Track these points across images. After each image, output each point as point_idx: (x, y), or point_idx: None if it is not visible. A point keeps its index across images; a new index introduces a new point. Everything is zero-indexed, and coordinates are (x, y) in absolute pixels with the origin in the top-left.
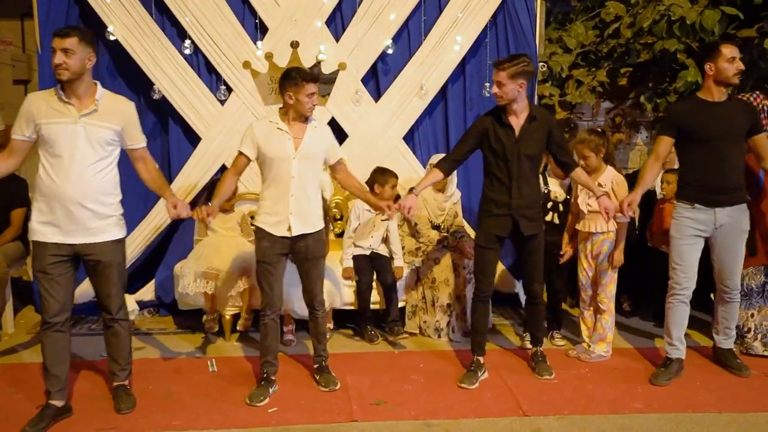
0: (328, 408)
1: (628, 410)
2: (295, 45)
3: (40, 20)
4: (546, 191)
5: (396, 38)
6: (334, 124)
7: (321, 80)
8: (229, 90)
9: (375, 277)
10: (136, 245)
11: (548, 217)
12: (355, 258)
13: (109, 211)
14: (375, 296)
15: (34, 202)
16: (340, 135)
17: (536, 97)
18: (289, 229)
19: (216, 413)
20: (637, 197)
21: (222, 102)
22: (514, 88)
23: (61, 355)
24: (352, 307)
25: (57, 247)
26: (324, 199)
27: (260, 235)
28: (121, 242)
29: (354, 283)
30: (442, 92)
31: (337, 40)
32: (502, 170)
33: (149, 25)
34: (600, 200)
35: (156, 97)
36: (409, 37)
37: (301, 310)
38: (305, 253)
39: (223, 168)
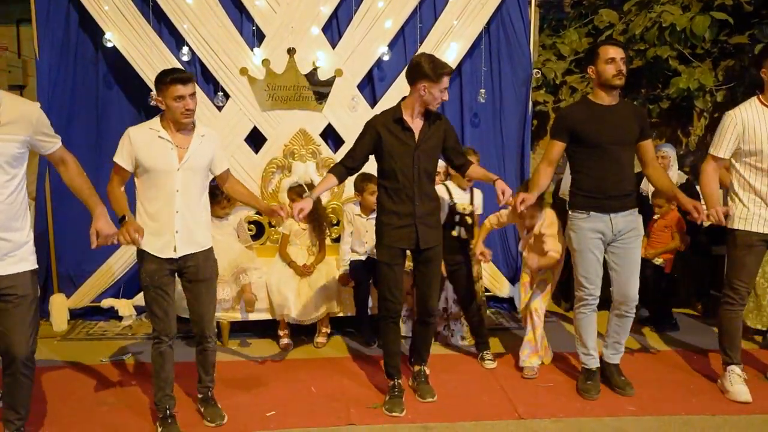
0: (325, 412)
1: (622, 413)
2: (291, 52)
3: (38, 26)
4: (451, 203)
5: (392, 45)
6: (331, 130)
7: (313, 83)
8: (227, 96)
9: (372, 281)
10: (133, 249)
11: (454, 232)
12: (352, 263)
13: (22, 237)
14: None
15: None
16: (337, 141)
17: (530, 103)
18: (175, 249)
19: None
20: (532, 197)
21: (219, 108)
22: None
23: None
24: (350, 314)
25: None
26: (320, 202)
27: (144, 257)
28: (35, 274)
29: (351, 289)
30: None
31: (334, 46)
32: (402, 177)
33: (147, 32)
34: (497, 183)
35: (153, 103)
36: (405, 43)
37: (298, 315)
38: (195, 274)
39: None
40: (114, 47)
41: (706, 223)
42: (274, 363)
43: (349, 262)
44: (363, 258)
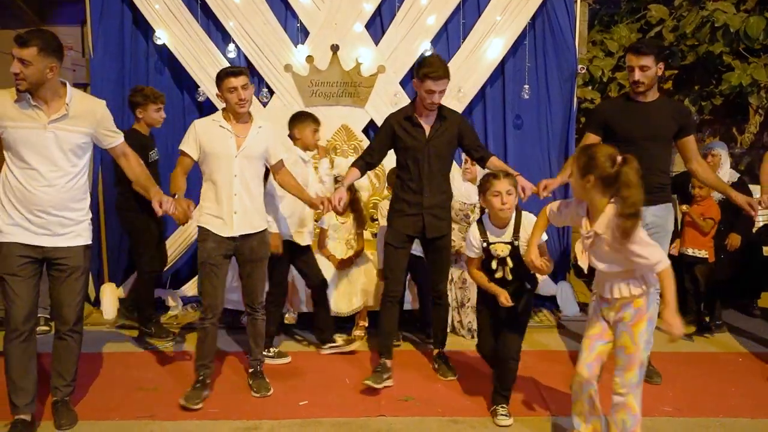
0: (356, 403)
1: (657, 413)
2: (335, 48)
3: (93, 25)
4: (485, 245)
5: (434, 41)
6: (373, 125)
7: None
8: (271, 92)
9: (410, 277)
10: (179, 243)
11: (498, 273)
12: None
13: (78, 216)
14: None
15: (1, 204)
16: None
17: (575, 99)
18: (233, 228)
19: (248, 405)
20: (556, 182)
21: (264, 104)
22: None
23: (29, 365)
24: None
25: (25, 248)
26: (359, 200)
27: (204, 235)
28: (89, 249)
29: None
30: (481, 94)
31: (377, 43)
32: (413, 170)
33: (195, 30)
34: (517, 179)
35: (201, 99)
36: (448, 40)
37: (336, 307)
38: (249, 254)
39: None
40: (164, 45)
41: (760, 224)
42: (310, 354)
43: None
44: None
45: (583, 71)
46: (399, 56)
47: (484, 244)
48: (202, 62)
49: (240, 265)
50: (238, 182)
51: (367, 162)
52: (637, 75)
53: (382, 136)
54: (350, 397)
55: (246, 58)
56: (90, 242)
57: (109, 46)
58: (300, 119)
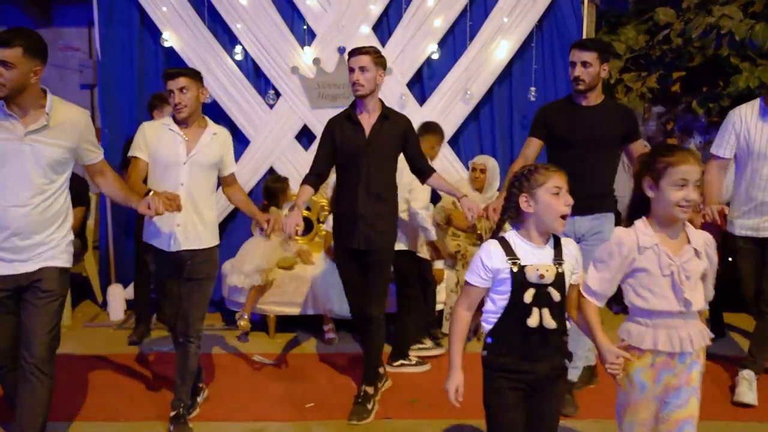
0: None
1: None
2: (342, 50)
3: (100, 28)
4: (515, 267)
5: (441, 43)
6: None
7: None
8: (278, 94)
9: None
10: None
11: (532, 320)
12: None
13: (55, 240)
14: None
15: None
16: None
17: None
18: (177, 243)
19: (255, 406)
20: (501, 203)
21: (271, 106)
22: (376, 76)
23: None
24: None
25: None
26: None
27: (152, 253)
28: (65, 273)
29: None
30: (488, 96)
31: (384, 45)
32: (350, 174)
33: (202, 32)
34: (462, 201)
35: (207, 101)
36: (455, 42)
37: (340, 310)
38: (190, 272)
39: (271, 171)
40: (171, 47)
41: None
42: (316, 356)
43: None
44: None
45: None
46: (406, 58)
47: (513, 268)
48: (208, 64)
49: (180, 284)
50: (185, 192)
51: (316, 175)
52: (578, 71)
53: (325, 141)
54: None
55: (253, 59)
56: (68, 266)
57: (117, 48)
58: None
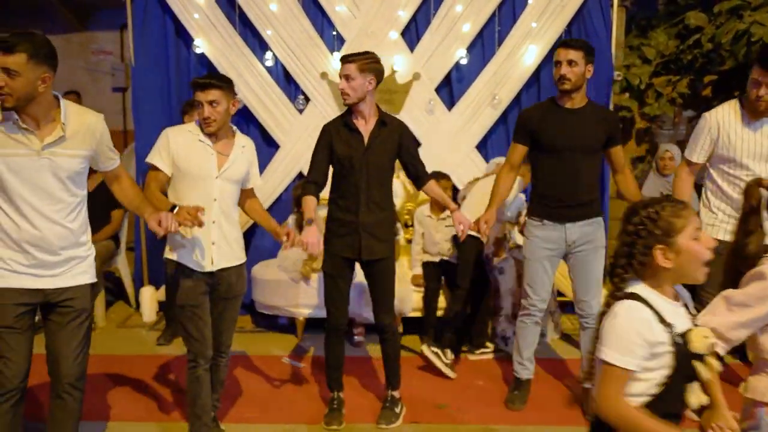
0: None
1: None
2: None
3: (134, 33)
4: (676, 338)
5: (470, 48)
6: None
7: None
8: (307, 99)
9: (444, 284)
10: None
11: (696, 398)
12: (425, 265)
13: (82, 252)
14: (443, 302)
15: None
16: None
17: (612, 106)
18: (212, 262)
19: (286, 408)
20: (493, 214)
21: (300, 111)
22: (364, 83)
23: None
24: (420, 314)
25: (22, 294)
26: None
27: (178, 272)
28: (93, 288)
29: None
30: (516, 101)
31: (412, 50)
32: (349, 183)
33: (233, 39)
34: (454, 214)
35: (238, 107)
36: (483, 46)
37: (369, 314)
38: (226, 291)
39: (300, 176)
40: (203, 53)
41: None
42: (345, 359)
43: (421, 263)
44: (436, 260)
45: (620, 78)
46: (434, 63)
47: (677, 338)
48: (239, 70)
49: (212, 302)
50: (218, 208)
51: (315, 183)
52: (564, 69)
53: (321, 147)
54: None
55: (283, 65)
56: (95, 280)
57: (150, 54)
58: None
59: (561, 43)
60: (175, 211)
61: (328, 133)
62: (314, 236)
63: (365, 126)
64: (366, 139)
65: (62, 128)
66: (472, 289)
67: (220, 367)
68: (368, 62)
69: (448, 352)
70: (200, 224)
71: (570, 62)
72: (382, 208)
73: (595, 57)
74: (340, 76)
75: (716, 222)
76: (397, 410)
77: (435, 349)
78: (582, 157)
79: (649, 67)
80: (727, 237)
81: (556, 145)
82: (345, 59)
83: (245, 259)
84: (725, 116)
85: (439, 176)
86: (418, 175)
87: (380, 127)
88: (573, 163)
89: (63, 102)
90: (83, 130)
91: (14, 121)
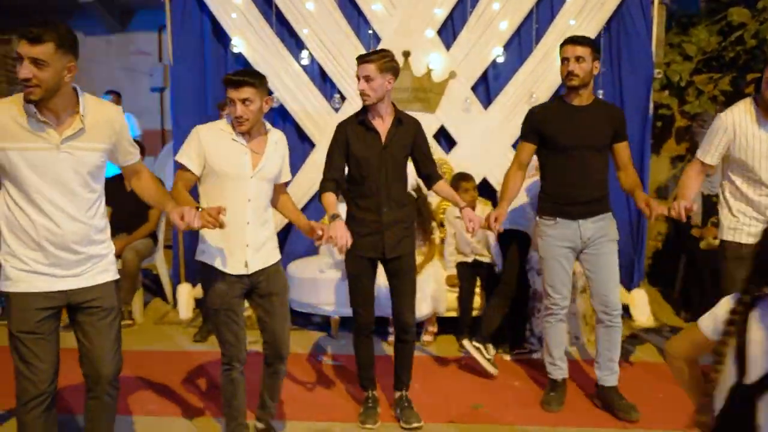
0: (426, 408)
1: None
2: (406, 54)
3: (173, 34)
4: None
5: (507, 46)
6: (443, 131)
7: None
8: (343, 98)
9: (479, 284)
10: None
11: None
12: (458, 265)
13: (102, 249)
14: (477, 302)
15: (5, 246)
16: (450, 142)
17: (651, 104)
18: (246, 265)
19: (321, 406)
20: (504, 211)
21: (336, 110)
22: (384, 83)
23: None
24: (455, 314)
25: (45, 298)
26: (429, 205)
27: (211, 275)
28: (117, 284)
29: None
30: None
31: (448, 48)
32: (369, 183)
33: (270, 38)
34: (464, 212)
35: (275, 105)
36: (521, 45)
37: None
38: (266, 288)
39: None
40: (240, 53)
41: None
42: (380, 359)
43: (455, 264)
44: (469, 260)
45: (660, 75)
46: (470, 62)
47: None
48: (276, 69)
49: (254, 304)
50: (251, 208)
51: (333, 180)
52: (572, 65)
53: (338, 145)
54: (420, 403)
55: (319, 64)
56: (118, 277)
57: (188, 53)
58: (458, 181)
59: (567, 39)
60: (200, 209)
61: (344, 131)
62: (342, 230)
63: (382, 125)
64: (384, 138)
65: (81, 120)
66: (509, 289)
67: (279, 375)
68: (387, 61)
69: (491, 347)
70: (221, 226)
71: (578, 58)
72: (403, 204)
73: (629, 55)
74: (359, 77)
75: (738, 225)
76: (415, 409)
77: (477, 344)
78: (591, 154)
79: (690, 64)
80: (750, 240)
81: (565, 143)
82: (363, 59)
83: (280, 257)
84: (741, 117)
85: (464, 177)
86: (429, 174)
87: (397, 126)
88: (582, 160)
89: (82, 94)
90: (102, 122)
91: (32, 114)
